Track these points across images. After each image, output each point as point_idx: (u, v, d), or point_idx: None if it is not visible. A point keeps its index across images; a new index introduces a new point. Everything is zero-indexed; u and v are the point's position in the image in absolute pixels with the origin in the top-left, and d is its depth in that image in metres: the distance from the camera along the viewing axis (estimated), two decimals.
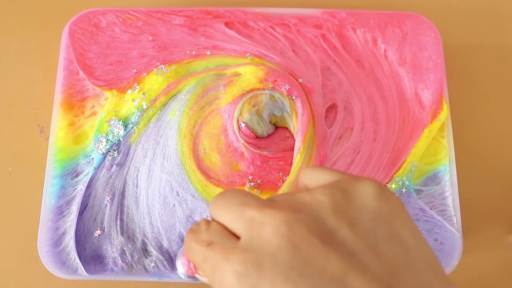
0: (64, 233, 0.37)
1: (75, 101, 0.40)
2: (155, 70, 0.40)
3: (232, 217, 0.21)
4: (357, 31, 0.43)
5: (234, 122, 0.39)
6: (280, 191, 0.37)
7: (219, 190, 0.37)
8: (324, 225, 0.20)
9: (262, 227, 0.20)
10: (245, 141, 0.39)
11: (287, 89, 0.39)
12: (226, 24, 0.43)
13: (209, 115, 0.39)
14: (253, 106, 0.39)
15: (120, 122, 0.39)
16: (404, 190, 0.38)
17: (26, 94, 0.44)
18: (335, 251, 0.19)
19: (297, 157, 0.38)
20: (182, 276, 0.33)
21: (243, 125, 0.39)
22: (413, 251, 0.20)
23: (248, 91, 0.39)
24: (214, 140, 0.39)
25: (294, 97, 0.39)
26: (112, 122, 0.39)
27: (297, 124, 0.39)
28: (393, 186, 0.38)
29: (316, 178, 0.23)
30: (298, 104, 0.39)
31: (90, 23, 0.42)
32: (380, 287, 0.18)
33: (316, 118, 0.40)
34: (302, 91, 0.40)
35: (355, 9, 0.44)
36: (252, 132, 0.39)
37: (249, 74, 0.40)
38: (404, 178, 0.38)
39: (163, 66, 0.40)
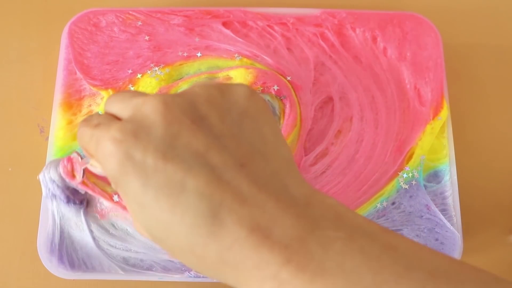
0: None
1: (74, 100, 0.40)
2: (149, 72, 0.40)
3: (121, 106, 0.24)
4: (357, 30, 0.43)
5: None
6: None
7: None
8: (197, 110, 0.23)
9: (143, 106, 0.22)
10: None
11: (275, 89, 0.39)
12: (224, 24, 0.43)
13: None
14: None
15: None
16: (414, 182, 0.38)
17: (26, 94, 0.44)
18: (202, 131, 0.22)
19: None
20: (50, 183, 0.33)
21: None
22: (270, 144, 0.23)
23: None
24: None
25: (283, 98, 0.39)
26: None
27: (282, 126, 0.39)
28: (405, 176, 0.38)
29: None
30: (287, 104, 0.39)
31: (90, 23, 0.42)
32: (234, 163, 0.21)
33: (303, 122, 0.39)
34: (290, 90, 0.40)
35: (355, 9, 0.44)
36: None
37: (239, 78, 0.40)
38: (414, 171, 0.38)
39: (157, 68, 0.40)
